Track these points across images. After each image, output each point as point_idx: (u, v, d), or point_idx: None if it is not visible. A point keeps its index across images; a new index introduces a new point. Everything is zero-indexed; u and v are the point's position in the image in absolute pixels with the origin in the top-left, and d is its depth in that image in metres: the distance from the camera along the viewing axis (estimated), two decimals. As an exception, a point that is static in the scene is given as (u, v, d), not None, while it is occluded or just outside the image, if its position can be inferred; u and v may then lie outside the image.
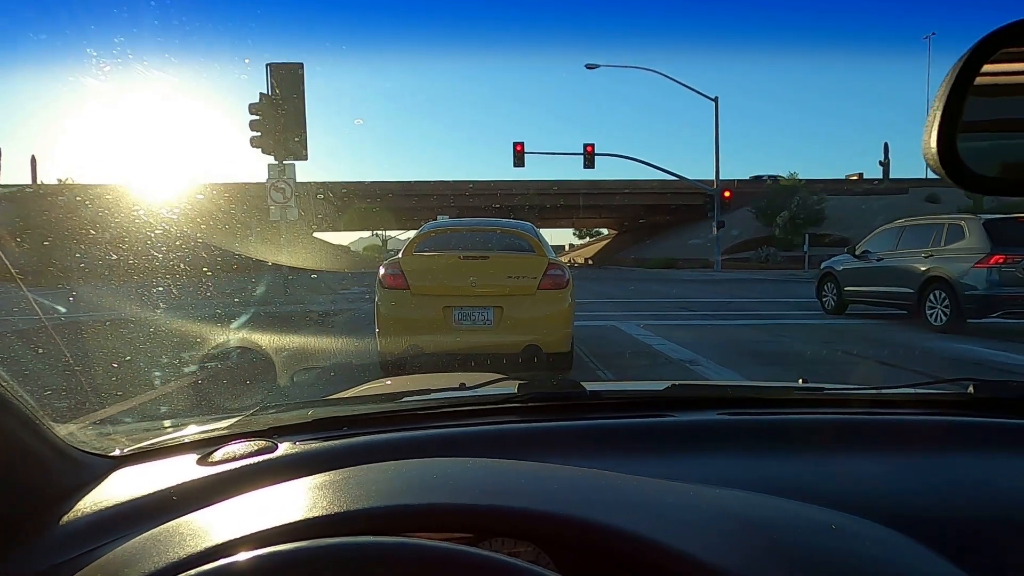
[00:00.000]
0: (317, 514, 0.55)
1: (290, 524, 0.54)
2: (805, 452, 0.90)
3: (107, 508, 0.72)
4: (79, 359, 5.39)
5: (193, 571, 0.46)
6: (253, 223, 16.34)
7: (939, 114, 0.56)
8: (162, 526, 0.60)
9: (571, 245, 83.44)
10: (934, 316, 8.98)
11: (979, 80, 0.55)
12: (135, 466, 0.85)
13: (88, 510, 0.72)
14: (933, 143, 0.56)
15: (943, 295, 8.87)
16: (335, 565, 0.45)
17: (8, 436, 0.66)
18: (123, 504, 0.73)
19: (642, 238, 49.01)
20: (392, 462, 0.69)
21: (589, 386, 1.15)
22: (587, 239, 79.15)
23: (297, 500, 0.59)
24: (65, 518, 0.70)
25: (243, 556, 0.46)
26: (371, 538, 0.47)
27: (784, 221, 33.75)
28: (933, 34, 51.39)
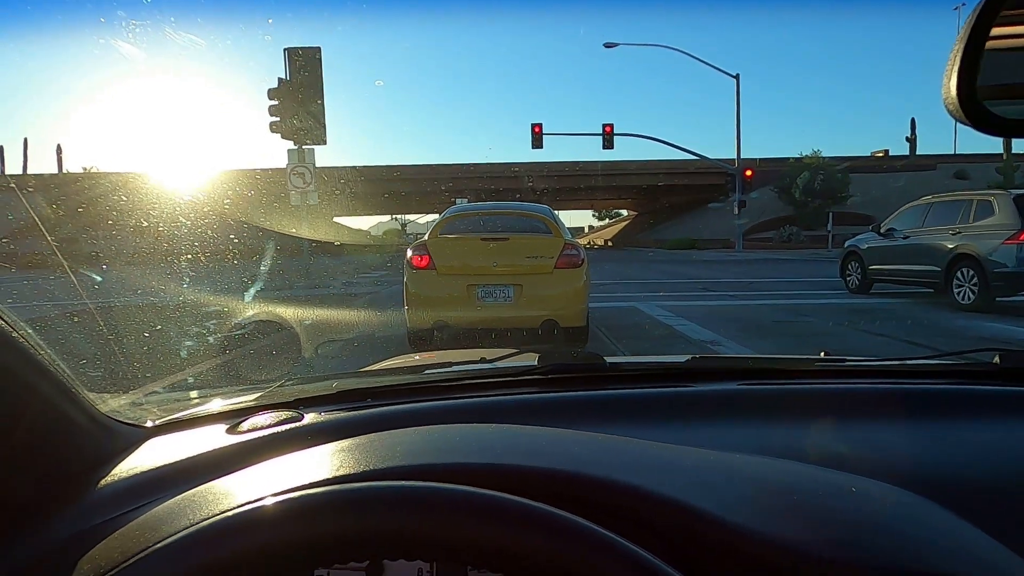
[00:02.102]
0: (343, 473, 0.57)
1: (316, 483, 0.56)
2: (827, 421, 0.90)
3: (141, 474, 0.75)
4: (107, 339, 5.54)
5: (224, 515, 0.48)
6: (274, 209, 16.48)
7: (959, 57, 0.54)
8: (193, 489, 0.61)
9: (590, 227, 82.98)
10: (961, 294, 8.81)
11: (999, 31, 0.54)
12: (166, 436, 0.87)
13: (123, 475, 0.74)
14: (953, 88, 0.55)
15: (971, 273, 8.69)
16: (361, 508, 0.46)
17: (47, 404, 0.68)
18: (156, 470, 0.75)
19: (662, 219, 48.56)
20: (416, 427, 0.71)
21: (609, 359, 1.15)
22: (606, 221, 78.59)
23: (323, 462, 0.60)
24: (102, 483, 0.72)
25: (270, 501, 0.47)
26: (399, 483, 0.48)
27: (804, 183, 32.93)
28: (963, 4, 49.69)
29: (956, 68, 0.54)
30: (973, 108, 0.55)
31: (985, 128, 0.56)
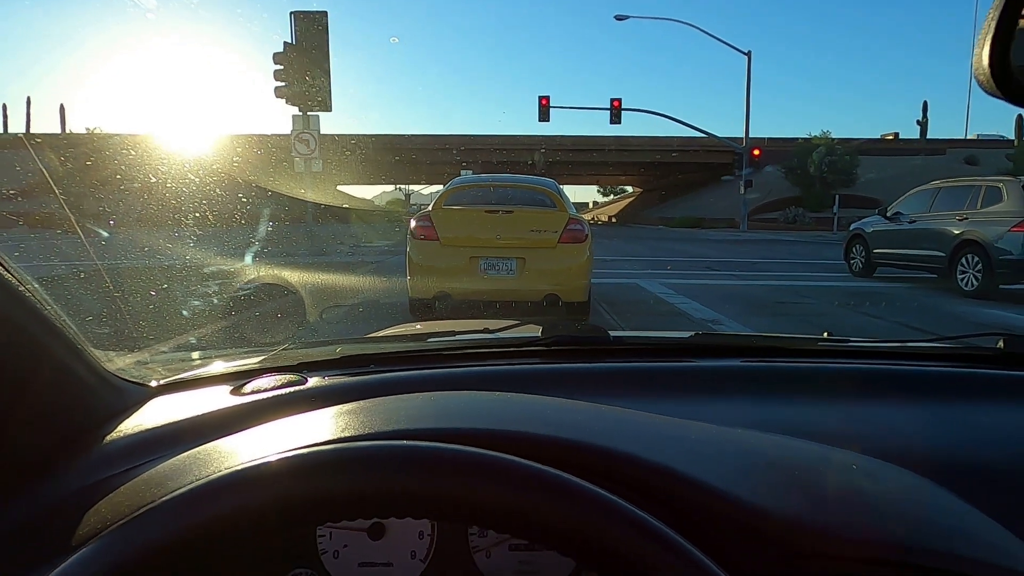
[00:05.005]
0: (345, 434, 0.57)
1: (319, 443, 0.56)
2: (828, 400, 0.90)
3: (146, 431, 0.75)
4: (114, 297, 5.56)
5: (227, 471, 0.48)
6: (279, 175, 16.40)
7: (993, 24, 0.52)
8: (197, 448, 0.62)
9: (595, 203, 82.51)
10: (965, 280, 8.78)
11: None
12: (171, 395, 0.88)
13: (129, 432, 0.75)
14: (985, 59, 0.53)
15: (976, 259, 8.65)
16: (362, 466, 0.46)
17: (54, 360, 0.69)
18: (161, 428, 0.76)
19: (667, 196, 48.17)
20: (420, 393, 0.71)
21: (613, 333, 1.15)
22: (611, 197, 78.05)
23: (325, 423, 0.61)
24: (108, 439, 0.73)
25: (272, 458, 0.48)
26: (402, 442, 0.48)
27: (819, 159, 32.47)
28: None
29: (989, 38, 0.52)
30: (1006, 80, 0.53)
31: (1019, 101, 0.54)
